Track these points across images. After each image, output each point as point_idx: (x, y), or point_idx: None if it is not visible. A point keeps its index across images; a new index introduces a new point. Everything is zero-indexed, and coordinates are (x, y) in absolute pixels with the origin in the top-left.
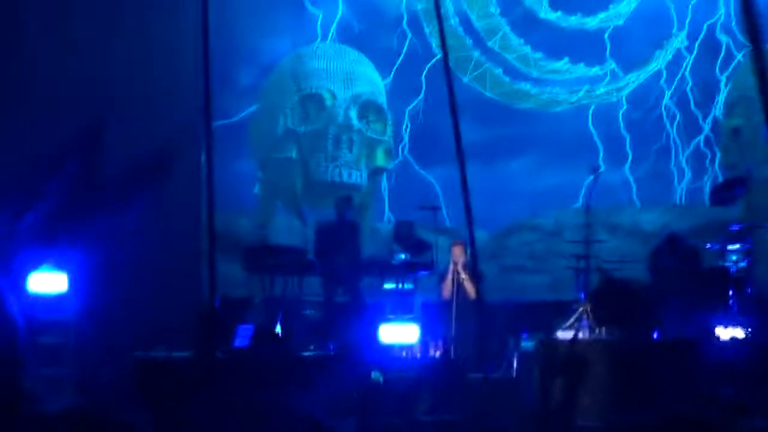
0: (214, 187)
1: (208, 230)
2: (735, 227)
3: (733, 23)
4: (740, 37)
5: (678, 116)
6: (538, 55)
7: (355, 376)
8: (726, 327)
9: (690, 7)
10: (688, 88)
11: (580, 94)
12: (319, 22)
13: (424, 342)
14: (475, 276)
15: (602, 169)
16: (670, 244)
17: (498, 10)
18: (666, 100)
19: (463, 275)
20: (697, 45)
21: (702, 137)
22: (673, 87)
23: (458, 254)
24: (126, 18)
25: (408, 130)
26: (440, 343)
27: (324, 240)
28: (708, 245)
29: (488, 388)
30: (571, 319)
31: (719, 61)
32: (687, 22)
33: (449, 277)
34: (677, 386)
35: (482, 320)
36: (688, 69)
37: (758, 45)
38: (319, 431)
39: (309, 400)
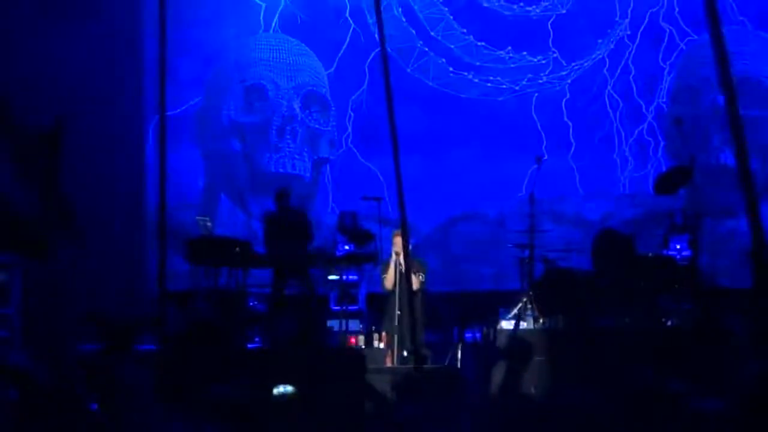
0: (166, 182)
1: (159, 225)
2: (679, 216)
3: (676, 11)
4: (683, 26)
5: (621, 105)
6: (481, 44)
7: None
8: (670, 315)
9: None
10: (631, 77)
11: (523, 82)
12: (262, 13)
13: (369, 333)
14: (407, 267)
15: (546, 158)
16: (605, 242)
17: (440, 0)
18: (609, 88)
19: (405, 265)
20: (639, 34)
21: (645, 126)
22: (616, 76)
23: (400, 244)
24: (65, 13)
25: (351, 120)
26: (384, 333)
27: (273, 231)
28: (652, 234)
29: (432, 378)
30: (516, 309)
31: (662, 50)
32: (629, 10)
33: (391, 267)
34: (622, 374)
35: (411, 310)
36: (631, 58)
37: (717, 29)
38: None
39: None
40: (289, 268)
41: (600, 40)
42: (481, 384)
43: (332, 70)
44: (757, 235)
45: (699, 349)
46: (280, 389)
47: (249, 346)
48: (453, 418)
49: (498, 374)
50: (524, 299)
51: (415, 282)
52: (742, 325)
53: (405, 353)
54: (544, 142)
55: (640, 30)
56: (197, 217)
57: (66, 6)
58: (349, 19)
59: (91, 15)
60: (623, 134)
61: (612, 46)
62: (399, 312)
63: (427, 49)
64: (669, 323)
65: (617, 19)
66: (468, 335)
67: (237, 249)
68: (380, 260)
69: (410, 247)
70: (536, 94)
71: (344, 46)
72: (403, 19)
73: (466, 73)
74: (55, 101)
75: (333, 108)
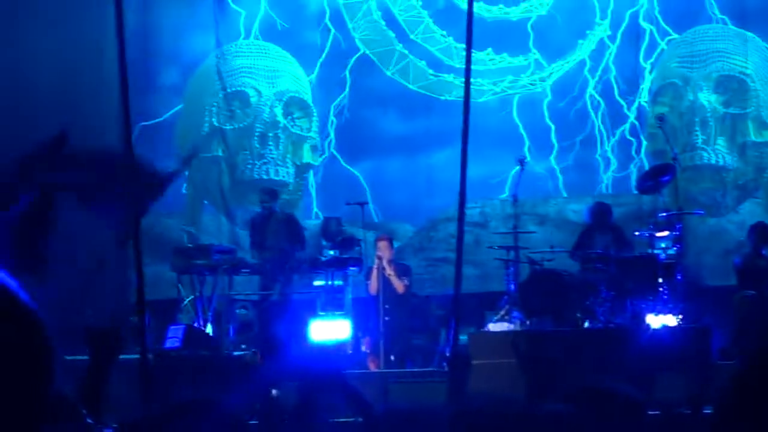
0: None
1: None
2: (663, 215)
3: (656, 10)
4: (663, 24)
5: (603, 105)
6: (461, 46)
7: (285, 376)
8: (657, 314)
9: None
10: (612, 77)
11: (504, 84)
12: (242, 20)
13: (355, 338)
14: (391, 272)
15: (528, 159)
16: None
17: (420, 3)
18: (590, 89)
19: (388, 270)
20: (620, 34)
21: (627, 126)
22: (597, 76)
23: (383, 249)
24: (47, 17)
25: (333, 125)
26: (369, 338)
27: (256, 234)
28: (637, 233)
29: (420, 382)
30: (502, 311)
31: (643, 50)
32: (609, 11)
33: (375, 272)
34: (609, 375)
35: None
36: (612, 58)
37: None
38: None
39: (238, 401)
40: (273, 273)
41: (580, 41)
42: (463, 388)
43: (313, 75)
44: None
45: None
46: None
47: (236, 353)
48: (436, 421)
49: (482, 378)
50: (510, 301)
51: (400, 286)
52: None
53: (392, 358)
54: (526, 144)
55: (620, 30)
56: (182, 229)
57: (46, 12)
58: (329, 24)
59: (69, 21)
60: (605, 134)
61: (593, 47)
62: (386, 318)
63: (407, 52)
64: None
65: (597, 19)
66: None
67: (222, 256)
68: (365, 265)
69: (394, 251)
70: (517, 96)
71: (325, 52)
72: (383, 23)
73: (446, 76)
74: (32, 110)
75: (315, 114)
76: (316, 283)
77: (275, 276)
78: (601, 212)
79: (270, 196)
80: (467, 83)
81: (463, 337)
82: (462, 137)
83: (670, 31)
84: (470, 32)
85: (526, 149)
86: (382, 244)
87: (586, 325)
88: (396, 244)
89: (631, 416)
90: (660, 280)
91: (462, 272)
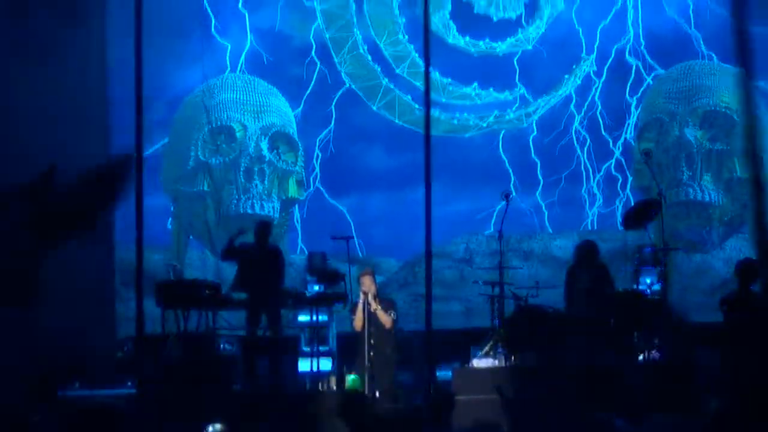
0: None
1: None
2: (648, 250)
3: (642, 46)
4: (649, 60)
5: (588, 141)
6: (447, 80)
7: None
8: (641, 350)
9: (598, 31)
10: (597, 112)
11: (490, 119)
12: (228, 54)
13: (340, 374)
14: (377, 306)
15: (513, 194)
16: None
17: (406, 37)
18: (576, 124)
19: (374, 305)
20: (606, 69)
21: (613, 161)
22: (582, 111)
23: (368, 284)
24: (35, 52)
25: (319, 160)
26: (354, 374)
27: (247, 269)
28: (622, 269)
29: (404, 418)
30: (487, 347)
31: (629, 85)
32: (596, 46)
33: (360, 307)
34: (593, 412)
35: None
36: (598, 93)
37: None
38: None
39: None
40: (264, 308)
41: (566, 76)
42: (445, 425)
43: (299, 110)
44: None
45: (669, 385)
46: (210, 429)
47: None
48: None
49: (466, 414)
50: (495, 337)
51: (388, 321)
52: (710, 359)
53: (377, 393)
54: (512, 179)
55: (607, 65)
56: (167, 264)
57: (31, 49)
58: (315, 58)
59: (54, 58)
60: (590, 170)
61: (578, 82)
62: (371, 353)
63: (392, 87)
64: (641, 359)
65: (583, 54)
66: (439, 374)
67: (207, 292)
68: (350, 300)
69: (377, 285)
70: (503, 131)
71: (311, 86)
72: (369, 57)
73: (431, 110)
74: (17, 142)
75: (301, 148)
76: (301, 318)
77: (265, 311)
78: (587, 251)
79: (267, 231)
80: (427, 101)
81: (448, 373)
82: (425, 165)
83: (657, 66)
84: (427, 51)
85: (511, 185)
86: (366, 279)
87: (571, 361)
88: (380, 279)
89: None
90: (645, 316)
91: (432, 309)
